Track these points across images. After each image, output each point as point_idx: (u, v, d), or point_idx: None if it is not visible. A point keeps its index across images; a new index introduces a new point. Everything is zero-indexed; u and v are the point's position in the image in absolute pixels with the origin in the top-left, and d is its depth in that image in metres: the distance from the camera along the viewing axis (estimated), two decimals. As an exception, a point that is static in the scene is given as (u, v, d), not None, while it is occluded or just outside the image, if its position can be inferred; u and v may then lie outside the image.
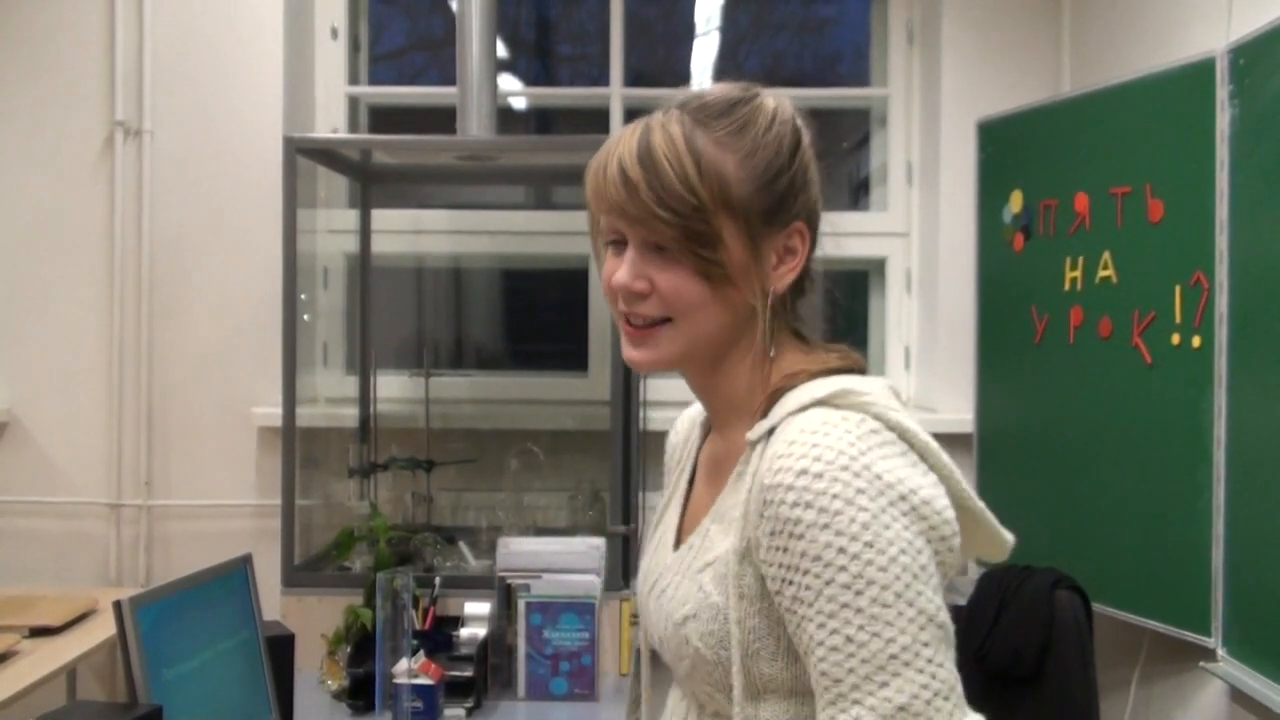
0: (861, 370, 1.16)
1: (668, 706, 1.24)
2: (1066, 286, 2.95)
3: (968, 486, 1.13)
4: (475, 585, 2.87)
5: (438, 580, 2.78)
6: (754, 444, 1.10)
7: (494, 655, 2.62)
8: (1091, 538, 2.88)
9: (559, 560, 2.63)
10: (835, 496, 1.02)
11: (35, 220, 3.70)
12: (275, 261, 3.20)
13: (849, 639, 1.01)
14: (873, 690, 1.00)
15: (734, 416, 1.18)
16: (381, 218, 3.65)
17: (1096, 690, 2.55)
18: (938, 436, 1.08)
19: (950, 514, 1.07)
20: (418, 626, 2.59)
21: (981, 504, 1.13)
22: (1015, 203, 3.15)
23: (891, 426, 1.08)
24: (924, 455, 1.09)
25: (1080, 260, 2.91)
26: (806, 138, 1.20)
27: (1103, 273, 2.84)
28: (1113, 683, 2.97)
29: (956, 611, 2.79)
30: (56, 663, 2.90)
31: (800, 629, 1.04)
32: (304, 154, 3.09)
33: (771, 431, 1.09)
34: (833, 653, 1.01)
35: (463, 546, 3.22)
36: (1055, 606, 2.60)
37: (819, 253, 1.21)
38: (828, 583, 1.01)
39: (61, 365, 3.75)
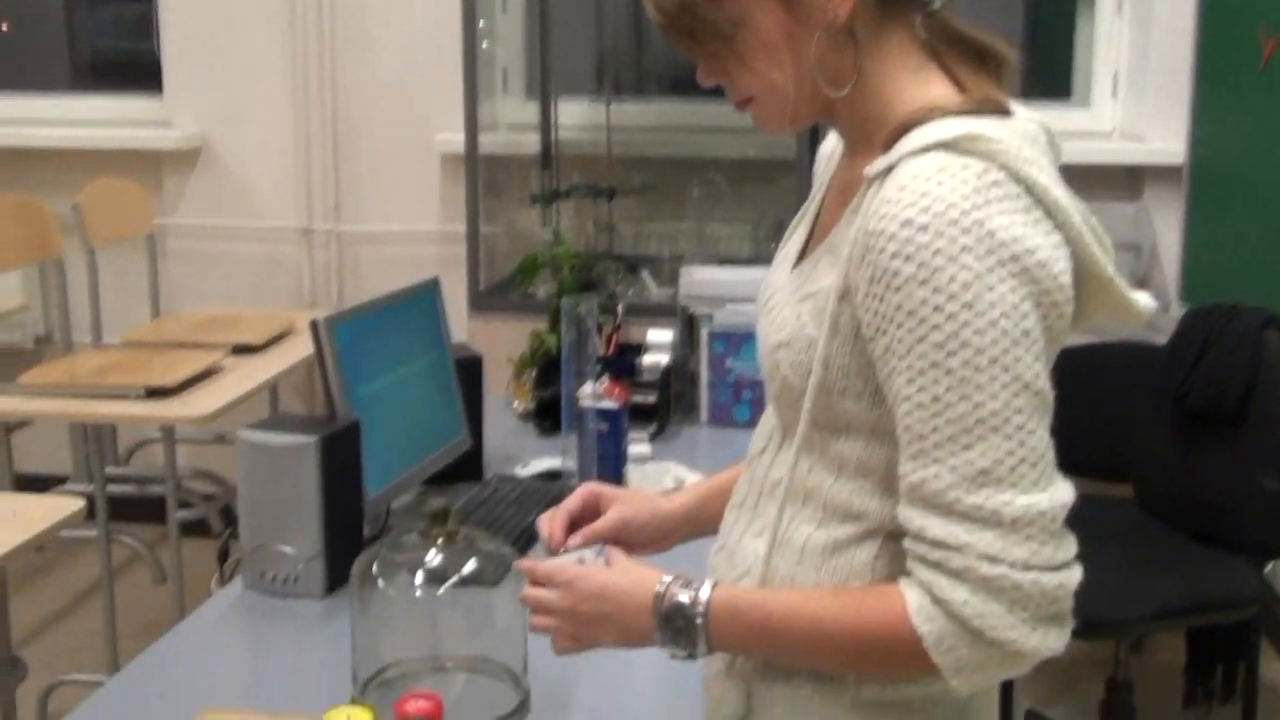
0: (1004, 111, 1.08)
1: (760, 422, 1.26)
2: (1301, 3, 2.70)
3: (1100, 251, 1.06)
4: (657, 313, 2.88)
5: (621, 307, 2.80)
6: (870, 180, 1.06)
7: (677, 382, 2.65)
8: (1307, 276, 2.73)
9: (742, 290, 2.61)
10: (938, 252, 0.98)
11: (217, -57, 3.69)
12: (454, -17, 3.14)
13: (936, 398, 0.99)
14: (955, 451, 0.99)
15: (863, 144, 1.13)
16: (561, -64, 3.53)
17: (1301, 433, 2.46)
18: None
19: (1067, 279, 1.02)
20: (601, 352, 2.62)
21: (1113, 271, 1.07)
22: (1249, -91, 2.87)
23: (1019, 179, 1.01)
24: (1052, 213, 1.02)
25: (1320, -27, 2.65)
26: None
27: (1345, -14, 2.59)
28: (1317, 427, 2.86)
29: (1155, 350, 2.71)
30: (259, 378, 3.05)
31: (889, 380, 1.03)
32: None
33: (890, 170, 1.03)
34: (919, 409, 1.00)
35: (645, 275, 3.23)
36: (1263, 347, 2.49)
37: None
38: (919, 340, 0.99)
39: (249, 93, 3.80)
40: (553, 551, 1.30)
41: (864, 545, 1.10)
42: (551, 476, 2.26)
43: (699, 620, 1.10)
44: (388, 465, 1.98)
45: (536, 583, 1.20)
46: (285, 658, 1.66)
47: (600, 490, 1.37)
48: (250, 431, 1.79)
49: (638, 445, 2.37)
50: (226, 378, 3.02)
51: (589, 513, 1.35)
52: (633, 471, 2.24)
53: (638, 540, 1.34)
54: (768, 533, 1.15)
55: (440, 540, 1.45)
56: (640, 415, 2.46)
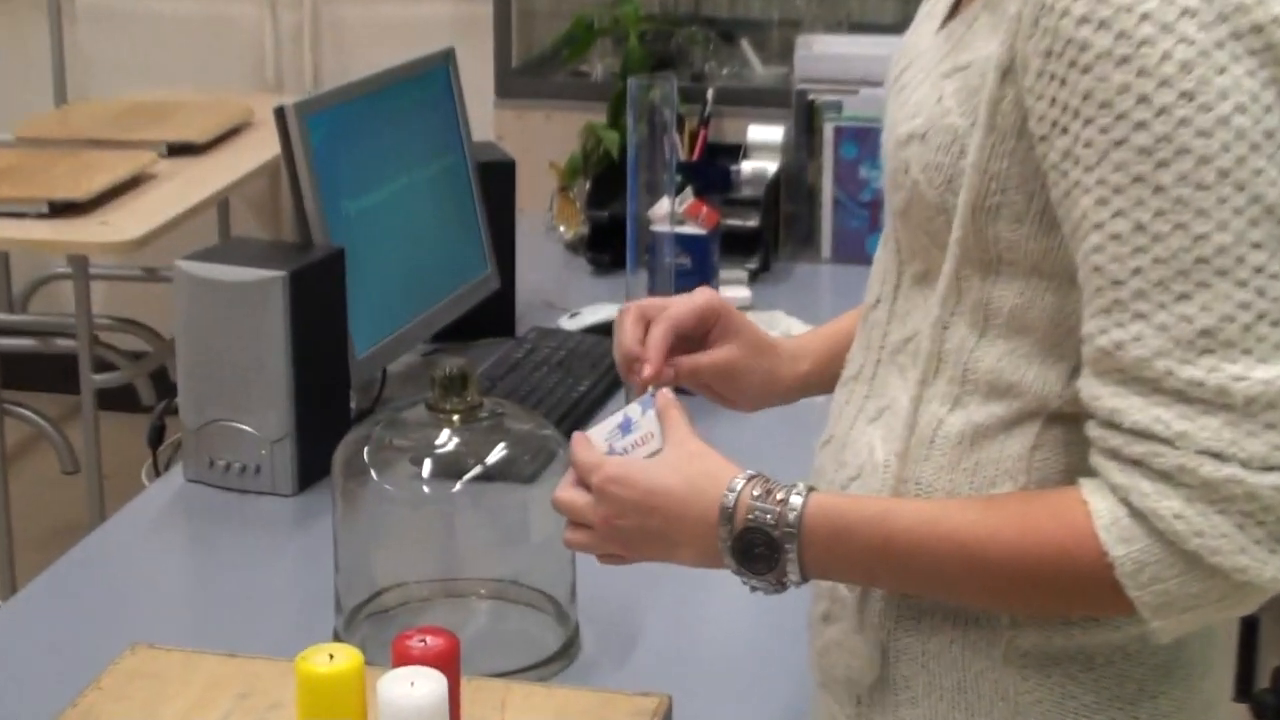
0: None
1: (875, 259, 1.25)
2: None
3: None
4: (763, 102, 2.86)
5: (710, 93, 2.77)
6: None
7: (789, 200, 2.63)
8: None
9: (881, 69, 2.57)
10: (1146, 16, 0.96)
11: None
12: None
13: (1139, 227, 0.97)
14: (1166, 302, 0.97)
15: None
16: None
17: None
18: None
19: None
20: (683, 156, 2.60)
21: None
22: None
23: None
24: None
25: None
26: None
27: None
28: None
29: None
30: (204, 190, 3.07)
31: (1071, 200, 1.01)
32: None
33: None
34: (1113, 242, 0.98)
35: (745, 47, 3.19)
36: None
37: None
38: (1117, 143, 0.97)
39: None
40: (632, 379, 1.27)
41: (1016, 432, 1.09)
42: (608, 330, 2.24)
43: (788, 546, 1.09)
44: (383, 313, 1.99)
45: (581, 481, 1.19)
46: (243, 577, 1.69)
47: (725, 310, 1.34)
48: (192, 264, 1.80)
49: (733, 288, 2.36)
50: (158, 189, 3.04)
51: (699, 334, 1.33)
52: (725, 325, 2.24)
53: (733, 398, 1.34)
54: (887, 417, 1.14)
55: (456, 417, 1.46)
56: (737, 245, 2.45)
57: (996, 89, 1.05)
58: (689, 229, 2.17)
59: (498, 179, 2.27)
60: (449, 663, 1.19)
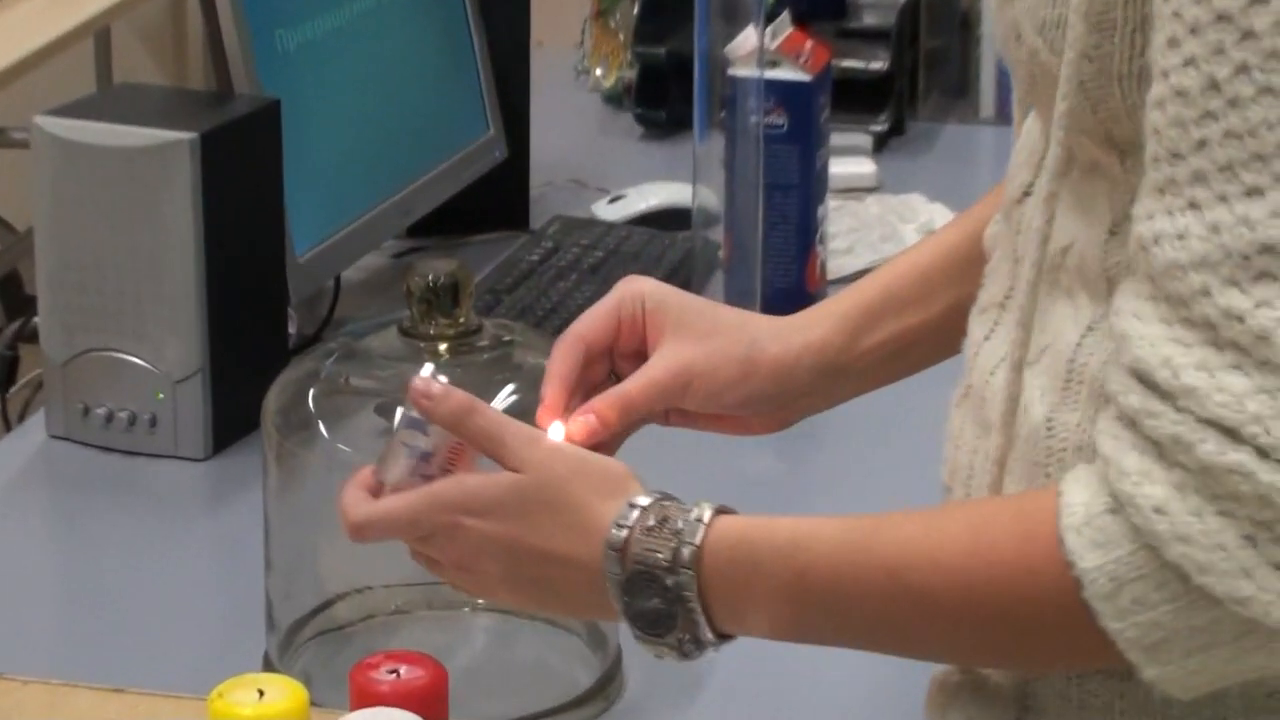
0: None
1: (1021, 135, 1.27)
2: None
3: None
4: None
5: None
6: None
7: (932, 33, 2.66)
8: None
9: None
10: None
11: None
12: None
13: (1214, 85, 0.99)
14: (1230, 195, 0.98)
15: None
16: None
17: None
18: None
19: None
20: (777, -30, 2.59)
21: None
22: None
23: None
24: None
25: None
26: None
27: None
28: None
29: None
30: (74, 14, 3.09)
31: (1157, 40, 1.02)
32: None
33: None
34: (1178, 100, 1.00)
35: None
36: None
37: None
38: None
39: None
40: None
41: None
42: (666, 221, 2.27)
43: (688, 594, 1.11)
44: (336, 195, 2.01)
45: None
46: (133, 577, 1.69)
47: (651, 294, 1.33)
48: (58, 121, 1.81)
49: (849, 161, 2.38)
50: (9, 14, 3.05)
51: (627, 347, 1.33)
52: (837, 216, 2.24)
53: (721, 409, 1.33)
54: (1050, 358, 1.14)
55: (443, 347, 1.47)
56: (857, 98, 2.46)
57: None
58: (785, 73, 2.15)
59: (503, 3, 2.27)
60: (432, 702, 1.21)
